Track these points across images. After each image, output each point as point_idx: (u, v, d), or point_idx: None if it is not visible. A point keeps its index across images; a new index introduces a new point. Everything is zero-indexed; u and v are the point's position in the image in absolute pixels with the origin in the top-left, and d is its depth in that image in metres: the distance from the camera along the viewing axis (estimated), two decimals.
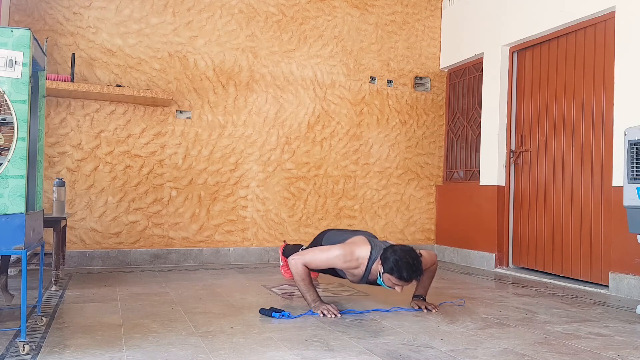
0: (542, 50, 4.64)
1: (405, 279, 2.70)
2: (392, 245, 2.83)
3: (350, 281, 3.09)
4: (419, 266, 2.72)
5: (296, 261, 2.92)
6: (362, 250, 2.92)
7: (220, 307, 3.01)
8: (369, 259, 2.89)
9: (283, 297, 3.36)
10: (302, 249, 3.76)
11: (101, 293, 3.36)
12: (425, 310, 3.01)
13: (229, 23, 4.92)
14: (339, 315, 2.83)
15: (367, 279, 2.97)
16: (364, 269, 2.92)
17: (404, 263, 2.68)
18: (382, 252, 2.82)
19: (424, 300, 3.12)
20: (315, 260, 2.93)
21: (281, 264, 4.16)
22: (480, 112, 5.23)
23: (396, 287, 2.77)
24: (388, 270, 2.72)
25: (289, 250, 4.02)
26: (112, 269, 4.36)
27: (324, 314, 2.82)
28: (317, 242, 3.36)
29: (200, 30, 4.82)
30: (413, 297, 3.13)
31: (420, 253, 2.80)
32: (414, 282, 3.01)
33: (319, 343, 2.34)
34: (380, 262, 2.79)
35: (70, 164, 4.42)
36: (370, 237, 3.07)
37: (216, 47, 4.87)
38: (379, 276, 2.84)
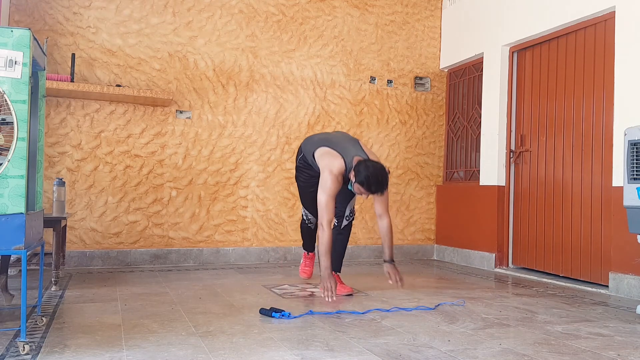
0: (542, 50, 4.64)
1: (372, 192, 3.20)
2: (365, 160, 3.20)
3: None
4: (385, 183, 3.21)
5: (324, 227, 3.22)
6: (338, 166, 3.28)
7: (220, 307, 3.01)
8: (346, 170, 3.28)
9: (283, 297, 3.36)
10: (309, 210, 3.89)
11: (101, 293, 3.36)
12: (397, 284, 3.36)
13: (229, 23, 4.92)
14: (334, 299, 3.16)
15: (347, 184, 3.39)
16: (344, 179, 3.35)
17: (373, 179, 3.14)
18: (356, 165, 3.20)
19: (394, 265, 3.42)
20: (329, 207, 3.23)
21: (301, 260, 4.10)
22: (480, 112, 5.23)
23: (362, 195, 3.25)
24: (359, 181, 3.17)
25: (306, 240, 4.03)
26: (112, 269, 4.36)
27: (323, 292, 3.19)
28: (301, 153, 3.66)
29: (200, 30, 4.82)
30: (385, 262, 3.42)
31: (388, 170, 3.24)
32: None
33: (319, 343, 2.34)
34: (353, 172, 3.21)
35: (70, 164, 4.42)
36: (337, 146, 3.37)
37: (216, 47, 4.87)
38: (350, 183, 3.29)
